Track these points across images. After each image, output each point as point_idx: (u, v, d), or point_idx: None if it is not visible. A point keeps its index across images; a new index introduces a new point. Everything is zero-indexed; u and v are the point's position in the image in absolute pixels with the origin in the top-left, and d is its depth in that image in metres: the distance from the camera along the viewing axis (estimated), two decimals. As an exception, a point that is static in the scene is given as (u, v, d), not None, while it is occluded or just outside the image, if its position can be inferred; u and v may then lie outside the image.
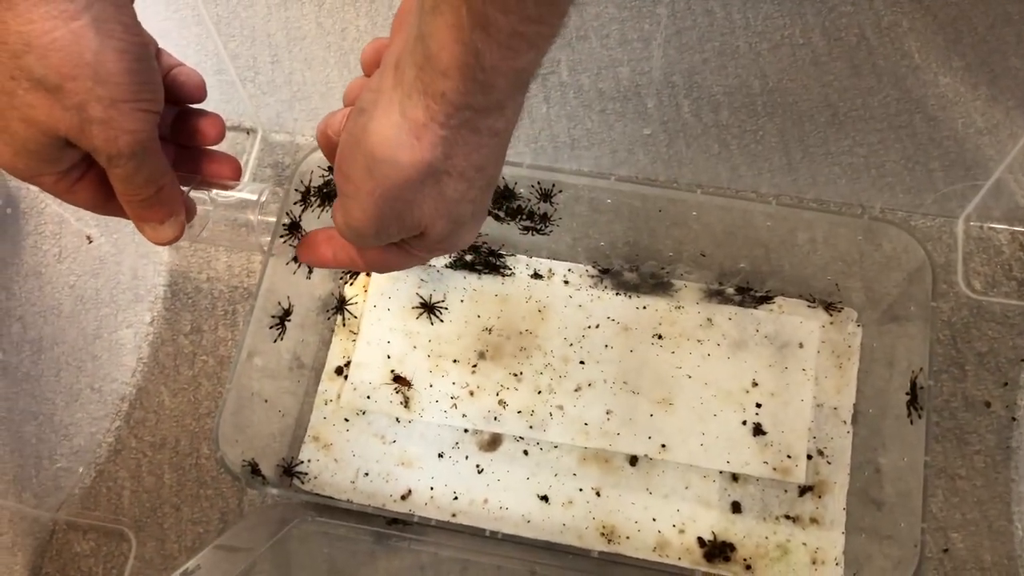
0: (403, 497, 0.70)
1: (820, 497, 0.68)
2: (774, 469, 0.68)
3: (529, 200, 0.70)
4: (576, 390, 0.72)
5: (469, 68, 0.33)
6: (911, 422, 0.61)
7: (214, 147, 0.52)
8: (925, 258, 0.62)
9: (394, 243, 0.42)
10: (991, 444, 0.69)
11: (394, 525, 0.67)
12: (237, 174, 0.52)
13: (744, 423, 0.70)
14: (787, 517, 0.68)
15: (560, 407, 0.71)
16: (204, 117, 0.50)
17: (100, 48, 0.39)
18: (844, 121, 0.73)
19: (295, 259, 0.68)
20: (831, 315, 0.73)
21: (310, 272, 0.71)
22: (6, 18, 0.38)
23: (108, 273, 0.78)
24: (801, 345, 0.72)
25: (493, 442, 0.71)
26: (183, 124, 0.51)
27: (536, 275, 0.76)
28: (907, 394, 0.62)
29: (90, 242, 0.78)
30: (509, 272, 0.76)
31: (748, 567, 0.67)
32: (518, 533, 0.67)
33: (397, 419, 0.72)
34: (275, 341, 0.67)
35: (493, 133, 0.37)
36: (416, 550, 0.68)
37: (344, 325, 0.76)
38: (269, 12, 0.75)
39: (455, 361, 0.73)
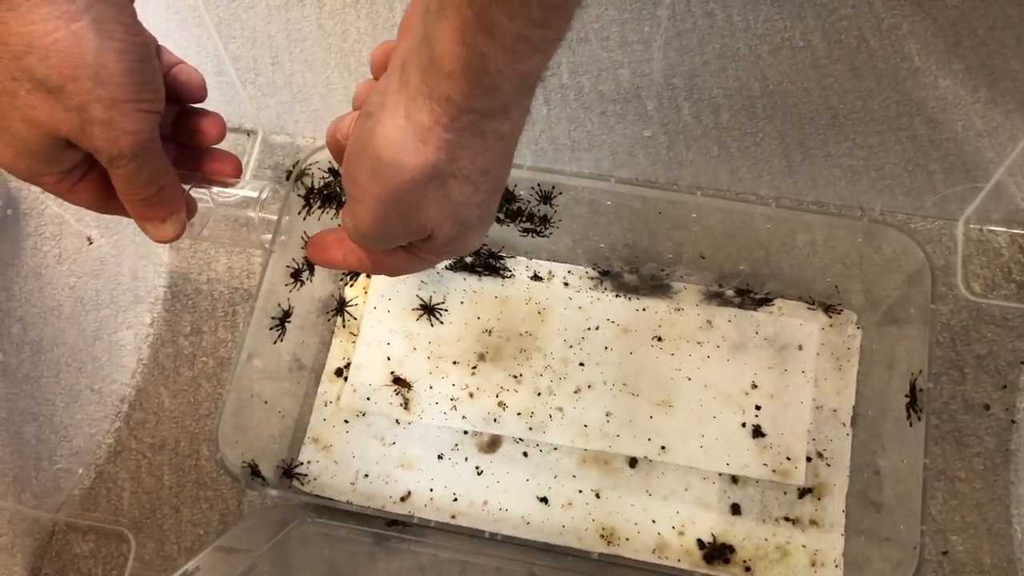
0: (403, 499, 0.70)
1: (819, 499, 0.68)
2: (773, 471, 0.68)
3: (529, 202, 0.70)
4: (576, 392, 0.72)
5: (474, 71, 0.33)
6: (910, 424, 0.61)
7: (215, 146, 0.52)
8: (925, 260, 0.62)
9: (402, 246, 0.42)
10: (990, 446, 0.69)
11: (394, 526, 0.67)
12: (238, 172, 0.52)
13: (744, 425, 0.70)
14: (787, 519, 0.68)
15: (560, 409, 0.71)
16: (205, 116, 0.51)
17: (101, 49, 0.39)
18: (844, 123, 0.73)
19: (297, 273, 0.68)
20: (831, 317, 0.73)
21: (299, 278, 0.71)
22: (7, 19, 0.38)
23: (108, 274, 0.78)
24: (801, 347, 0.72)
25: (493, 444, 0.71)
26: (184, 123, 0.51)
27: (536, 277, 0.76)
28: (906, 396, 0.62)
29: (90, 243, 0.78)
30: (509, 274, 0.76)
31: (748, 569, 0.67)
32: (517, 535, 0.67)
33: (397, 421, 0.72)
34: (275, 342, 0.67)
35: (498, 137, 0.36)
36: (416, 551, 0.68)
37: (344, 327, 0.76)
38: (270, 14, 0.75)
39: (455, 363, 0.73)
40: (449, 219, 0.39)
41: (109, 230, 0.79)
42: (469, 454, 0.71)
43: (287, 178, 0.66)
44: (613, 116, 0.75)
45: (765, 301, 0.74)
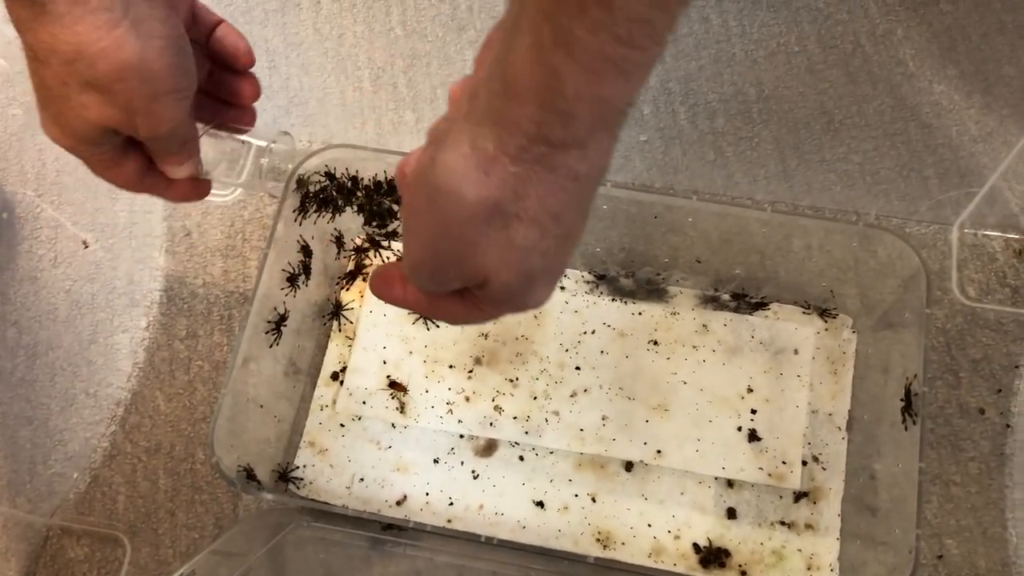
0: (399, 503, 0.70)
1: (815, 503, 0.68)
2: (769, 475, 0.68)
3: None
4: (572, 396, 0.72)
5: (547, 94, 0.30)
6: (906, 428, 0.61)
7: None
8: (920, 265, 0.62)
9: (458, 292, 0.39)
10: (985, 450, 0.69)
11: (389, 531, 0.67)
12: (254, 122, 0.57)
13: (739, 429, 0.70)
14: (782, 523, 0.68)
15: (556, 413, 0.71)
16: (243, 80, 0.53)
17: (142, 49, 0.43)
18: (839, 128, 0.74)
19: (293, 277, 0.68)
20: (826, 321, 0.73)
21: (294, 283, 0.71)
22: (55, 31, 0.41)
23: (104, 278, 0.78)
24: (796, 351, 0.72)
25: (489, 448, 0.71)
26: (222, 82, 0.54)
27: (532, 281, 0.76)
28: (902, 400, 0.62)
29: (86, 247, 0.78)
30: (505, 278, 0.76)
31: (743, 573, 0.67)
32: (514, 539, 0.67)
33: (393, 425, 0.72)
34: (271, 346, 0.67)
35: (572, 176, 0.33)
36: (411, 555, 0.68)
37: (340, 330, 0.76)
38: (266, 18, 0.76)
39: (451, 367, 0.73)
40: (509, 266, 0.35)
41: (104, 234, 0.79)
42: (465, 458, 0.71)
43: (284, 182, 0.66)
44: (609, 120, 0.75)
45: (761, 305, 0.74)
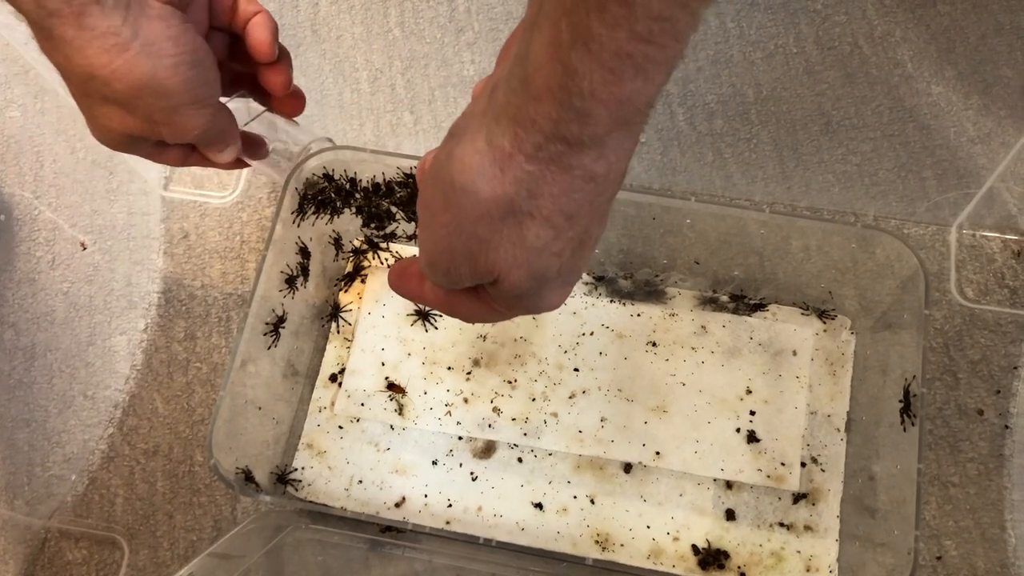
0: (397, 505, 0.70)
1: (814, 505, 0.68)
2: (768, 477, 0.68)
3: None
4: (570, 397, 0.72)
5: (565, 91, 0.29)
6: (904, 430, 0.61)
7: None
8: (918, 266, 0.62)
9: (471, 289, 0.39)
10: (984, 452, 0.69)
11: (388, 533, 0.67)
12: (300, 109, 0.58)
13: (738, 431, 0.70)
14: (781, 525, 0.68)
15: (554, 414, 0.71)
16: (271, 69, 0.53)
17: (154, 68, 0.43)
18: (837, 130, 0.74)
19: (291, 279, 0.68)
20: (825, 323, 0.73)
21: (293, 284, 0.71)
22: (68, 53, 0.42)
23: (102, 280, 0.78)
24: (795, 353, 0.72)
25: (487, 449, 0.71)
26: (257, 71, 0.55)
27: (531, 282, 0.76)
28: (900, 402, 0.62)
29: (84, 249, 0.78)
30: (504, 279, 0.76)
31: (742, 575, 0.67)
32: (512, 541, 0.67)
33: (391, 426, 0.72)
34: (269, 348, 0.67)
35: (588, 177, 0.32)
36: (410, 557, 0.68)
37: (338, 332, 0.76)
38: (264, 19, 0.75)
39: (449, 368, 0.73)
40: (521, 265, 0.35)
41: (102, 236, 0.78)
42: (464, 460, 0.71)
43: (283, 184, 0.66)
44: (607, 122, 0.75)
45: (759, 307, 0.74)
